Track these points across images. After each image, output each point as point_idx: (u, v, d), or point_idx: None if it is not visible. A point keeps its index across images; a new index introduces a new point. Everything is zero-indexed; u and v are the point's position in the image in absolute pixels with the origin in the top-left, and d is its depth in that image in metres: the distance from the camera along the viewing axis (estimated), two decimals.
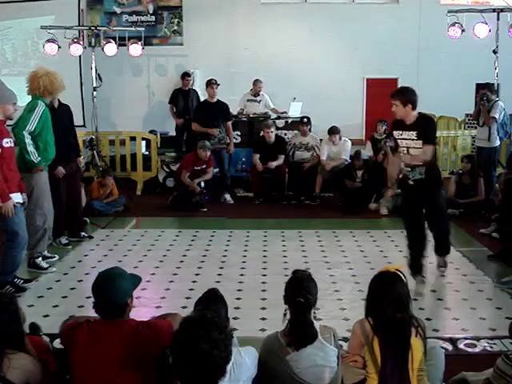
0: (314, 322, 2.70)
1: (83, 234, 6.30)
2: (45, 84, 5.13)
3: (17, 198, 4.49)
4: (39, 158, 5.03)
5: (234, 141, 8.79)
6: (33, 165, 4.99)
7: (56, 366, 2.74)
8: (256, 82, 9.67)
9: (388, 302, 2.58)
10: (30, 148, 4.96)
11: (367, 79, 14.07)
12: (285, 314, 2.72)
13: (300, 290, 2.67)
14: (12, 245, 4.49)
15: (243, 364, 2.41)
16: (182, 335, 2.06)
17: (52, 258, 5.53)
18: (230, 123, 8.38)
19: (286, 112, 9.51)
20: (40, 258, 5.23)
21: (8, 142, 4.43)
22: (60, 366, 2.71)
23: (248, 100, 9.61)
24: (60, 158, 5.52)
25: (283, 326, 2.72)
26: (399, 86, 14.02)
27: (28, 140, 4.95)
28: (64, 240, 6.00)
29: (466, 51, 11.82)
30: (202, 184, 8.09)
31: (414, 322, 2.64)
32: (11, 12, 11.83)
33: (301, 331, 2.64)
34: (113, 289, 2.51)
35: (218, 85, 8.22)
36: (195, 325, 2.07)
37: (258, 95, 9.60)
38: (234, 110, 9.27)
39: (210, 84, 8.19)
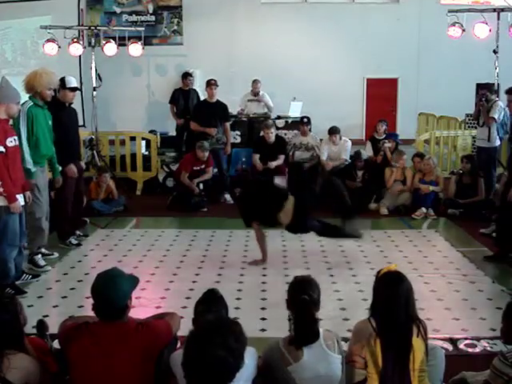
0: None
1: (78, 232, 6.29)
2: (25, 84, 5.14)
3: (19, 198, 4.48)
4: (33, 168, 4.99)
5: (234, 141, 8.79)
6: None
7: (56, 367, 2.74)
8: (254, 83, 9.72)
9: (398, 302, 2.57)
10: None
11: (367, 79, 14.10)
12: (290, 319, 2.67)
13: (304, 290, 2.66)
14: (0, 246, 4.44)
15: (243, 365, 2.40)
16: (198, 338, 2.03)
17: (50, 255, 5.55)
18: (228, 124, 8.36)
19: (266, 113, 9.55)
20: (39, 255, 5.24)
21: (12, 141, 4.40)
22: (60, 366, 2.71)
23: (248, 100, 9.64)
24: (65, 158, 5.60)
25: (287, 330, 2.68)
26: (399, 86, 14.17)
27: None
28: (73, 240, 6.02)
29: (466, 51, 11.84)
30: (201, 186, 8.07)
31: (417, 321, 2.64)
32: (11, 12, 11.83)
33: (306, 329, 2.60)
34: (113, 291, 2.50)
35: (218, 85, 8.21)
36: (212, 329, 2.05)
37: (258, 95, 9.62)
38: (234, 110, 9.28)
39: (210, 84, 8.18)
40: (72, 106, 6.03)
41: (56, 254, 5.63)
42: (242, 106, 9.57)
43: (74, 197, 5.93)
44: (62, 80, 5.72)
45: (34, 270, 5.15)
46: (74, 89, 5.81)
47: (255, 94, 9.65)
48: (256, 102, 9.65)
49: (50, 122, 5.31)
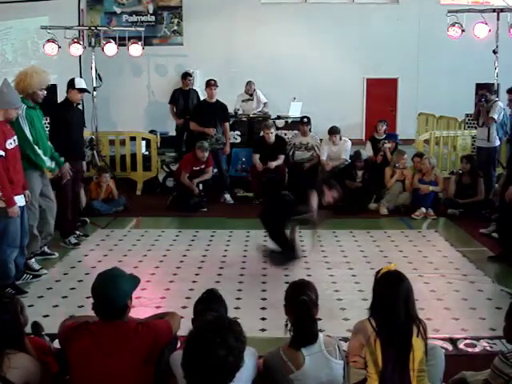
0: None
1: (78, 232, 6.31)
2: (15, 85, 5.03)
3: (19, 200, 4.47)
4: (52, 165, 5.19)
5: (234, 141, 8.80)
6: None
7: (57, 367, 2.74)
8: (248, 84, 9.80)
9: (398, 301, 2.57)
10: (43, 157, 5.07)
11: (367, 79, 14.10)
12: (286, 325, 2.66)
13: (302, 292, 2.66)
14: (1, 247, 4.43)
15: (243, 365, 2.40)
16: (198, 338, 2.03)
17: (52, 255, 5.57)
18: (227, 124, 8.35)
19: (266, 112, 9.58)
20: (33, 260, 5.19)
21: (11, 143, 4.37)
22: (61, 366, 2.71)
23: (243, 100, 9.68)
24: (67, 157, 5.60)
25: (285, 334, 2.67)
26: (399, 86, 14.18)
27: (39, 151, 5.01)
28: (73, 239, 6.03)
29: (466, 51, 11.84)
30: (201, 186, 8.07)
31: (416, 321, 2.64)
32: (11, 12, 11.84)
33: (305, 330, 2.59)
34: (113, 291, 2.51)
35: (217, 86, 8.21)
36: (212, 329, 2.04)
37: (252, 94, 9.70)
38: (232, 110, 9.28)
39: (209, 85, 8.18)
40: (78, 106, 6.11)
41: (56, 254, 5.63)
42: (236, 106, 9.56)
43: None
44: (72, 81, 5.83)
45: (29, 273, 5.08)
46: (82, 90, 5.87)
47: (250, 94, 9.71)
48: (251, 102, 9.69)
49: (44, 121, 5.32)
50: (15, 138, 4.48)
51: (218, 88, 8.24)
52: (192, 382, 2.03)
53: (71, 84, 5.81)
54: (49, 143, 5.35)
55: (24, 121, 4.92)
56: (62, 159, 5.52)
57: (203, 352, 1.97)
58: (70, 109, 5.86)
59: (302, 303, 2.62)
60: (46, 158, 5.08)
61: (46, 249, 5.51)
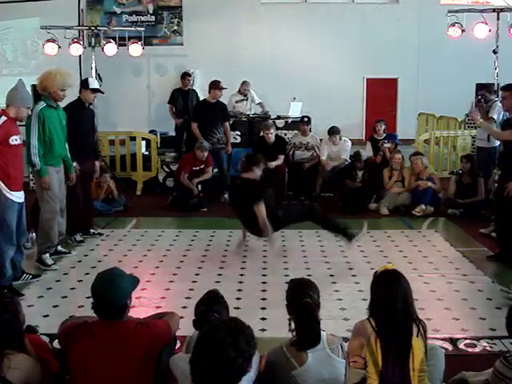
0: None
1: (93, 231, 6.40)
2: (38, 83, 5.20)
3: (18, 196, 4.50)
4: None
5: (234, 141, 8.79)
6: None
7: (57, 366, 2.74)
8: (244, 84, 9.70)
9: (396, 300, 2.56)
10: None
11: (367, 79, 14.11)
12: (290, 324, 2.66)
13: (305, 293, 2.65)
14: None
15: (250, 370, 2.39)
16: (210, 336, 2.01)
17: (67, 253, 5.62)
18: (228, 124, 8.35)
19: (267, 112, 9.51)
20: (47, 254, 5.26)
21: (15, 140, 4.43)
22: (61, 366, 2.72)
23: (237, 101, 9.59)
24: (77, 156, 5.67)
25: (288, 330, 2.67)
26: (399, 86, 14.17)
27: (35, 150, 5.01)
28: (78, 237, 6.09)
29: (466, 51, 11.84)
30: (200, 187, 8.06)
31: (416, 321, 2.64)
32: (11, 12, 11.84)
33: (310, 333, 2.58)
34: (112, 290, 2.51)
35: (225, 88, 8.18)
36: (226, 329, 2.03)
37: (246, 95, 9.64)
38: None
39: (218, 87, 8.06)
40: (90, 107, 6.24)
41: (73, 252, 5.69)
42: (229, 108, 9.49)
43: (82, 196, 6.00)
44: (85, 81, 5.98)
45: (42, 268, 5.18)
46: (95, 90, 5.97)
47: (245, 94, 9.64)
48: (245, 102, 9.63)
49: (64, 122, 5.36)
50: (19, 136, 4.52)
51: None
52: (197, 379, 2.02)
53: (84, 84, 5.91)
54: (66, 146, 5.40)
55: (35, 119, 4.99)
56: (74, 164, 5.60)
57: (213, 351, 1.95)
58: (81, 109, 5.94)
59: (305, 306, 2.61)
60: (35, 161, 5.01)
61: (59, 247, 5.56)
